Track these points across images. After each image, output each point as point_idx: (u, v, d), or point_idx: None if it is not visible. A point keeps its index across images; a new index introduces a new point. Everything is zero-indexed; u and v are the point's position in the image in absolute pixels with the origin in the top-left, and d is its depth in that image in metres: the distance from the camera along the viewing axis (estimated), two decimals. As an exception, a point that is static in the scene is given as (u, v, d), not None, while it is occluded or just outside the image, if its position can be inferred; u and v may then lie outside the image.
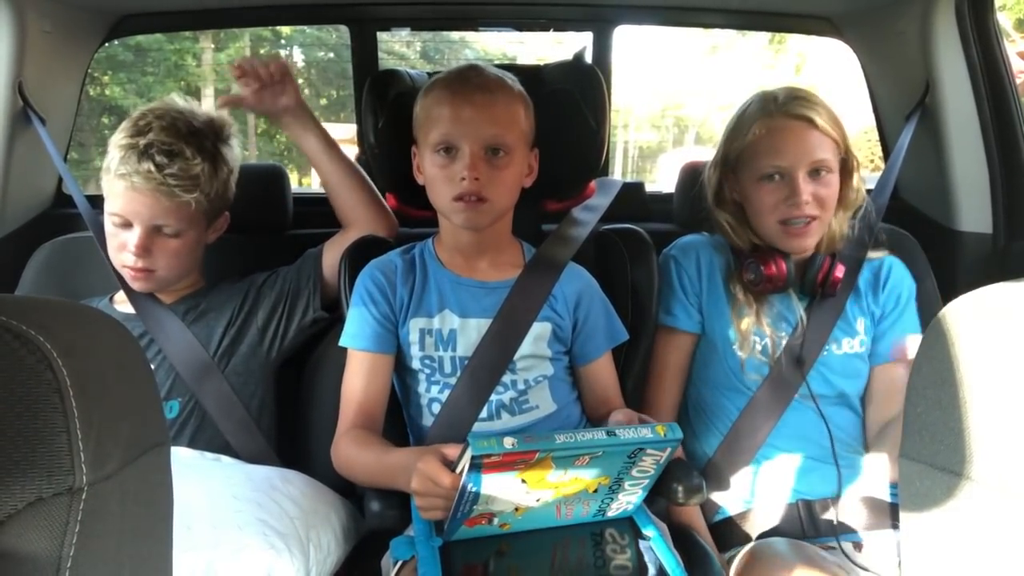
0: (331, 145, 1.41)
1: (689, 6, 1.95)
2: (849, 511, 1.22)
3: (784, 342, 1.27)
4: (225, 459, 1.20)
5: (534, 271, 1.21)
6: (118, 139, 1.26)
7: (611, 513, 0.98)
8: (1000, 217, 1.66)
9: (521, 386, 1.17)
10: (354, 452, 1.11)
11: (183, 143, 1.27)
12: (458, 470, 0.86)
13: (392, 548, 0.99)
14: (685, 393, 1.37)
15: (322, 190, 1.46)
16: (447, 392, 1.16)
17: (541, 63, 1.42)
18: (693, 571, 1.04)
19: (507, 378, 1.16)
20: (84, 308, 0.56)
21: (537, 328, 1.17)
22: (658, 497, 1.07)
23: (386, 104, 1.28)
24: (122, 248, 1.28)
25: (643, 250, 1.34)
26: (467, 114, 1.10)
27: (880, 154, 1.93)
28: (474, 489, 0.84)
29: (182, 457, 1.16)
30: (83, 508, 0.46)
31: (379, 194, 1.43)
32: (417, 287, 1.19)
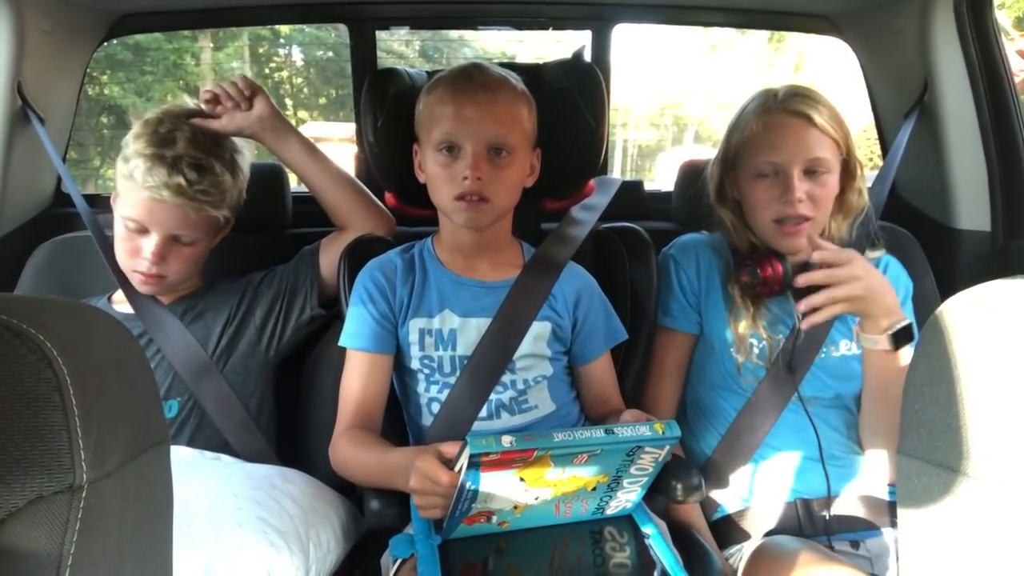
0: (313, 150, 1.41)
1: (688, 4, 1.95)
2: (847, 510, 1.22)
3: (781, 344, 1.27)
4: (225, 458, 1.20)
5: (534, 271, 1.21)
6: (140, 147, 1.25)
7: (610, 511, 0.99)
8: (998, 215, 1.67)
9: (520, 386, 1.17)
10: (352, 452, 1.11)
11: (212, 157, 1.28)
12: (456, 468, 0.86)
13: (391, 546, 0.99)
14: (683, 392, 1.37)
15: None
16: (446, 392, 1.16)
17: (540, 62, 1.42)
18: (693, 569, 1.04)
19: (506, 378, 1.16)
20: (84, 307, 0.57)
21: (537, 328, 1.18)
22: (657, 495, 1.08)
23: (385, 103, 1.27)
24: (135, 253, 1.28)
25: (642, 249, 1.34)
26: (470, 113, 1.10)
27: (879, 152, 1.93)
28: (472, 487, 0.84)
29: (182, 456, 1.16)
30: (83, 506, 0.46)
31: (371, 194, 1.43)
32: (417, 287, 1.19)
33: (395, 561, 1.00)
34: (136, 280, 1.30)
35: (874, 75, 1.89)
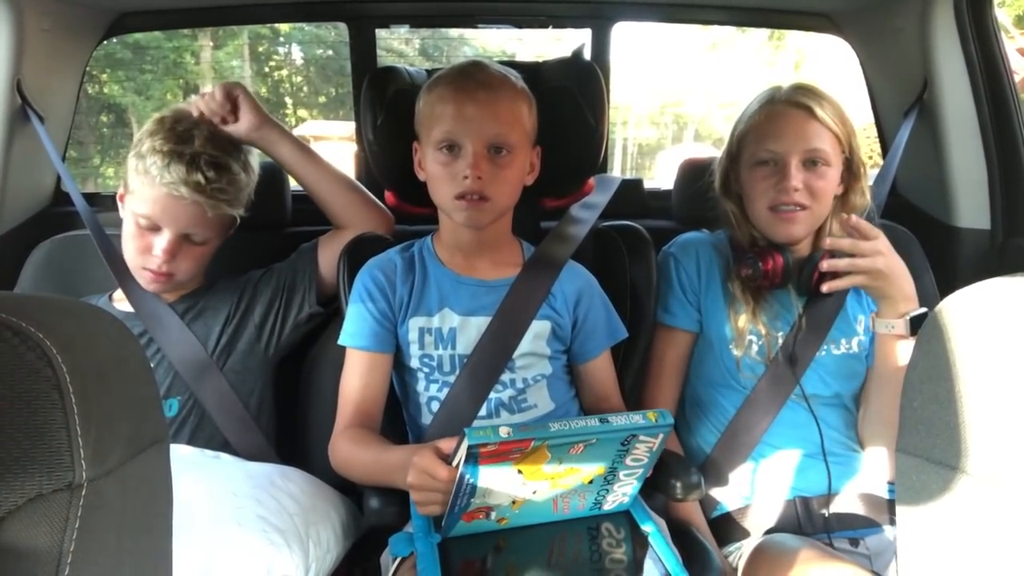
0: (307, 151, 1.40)
1: (688, 2, 1.95)
2: (847, 508, 1.23)
3: (781, 340, 1.27)
4: (224, 456, 1.20)
5: (533, 269, 1.21)
6: (157, 144, 1.24)
7: (607, 507, 0.99)
8: (998, 213, 1.67)
9: (520, 384, 1.17)
10: (352, 451, 1.11)
11: (229, 156, 1.29)
12: (454, 463, 0.86)
13: (391, 545, 1.00)
14: (683, 390, 1.37)
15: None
16: (446, 391, 1.16)
17: (540, 60, 1.42)
18: (692, 567, 1.04)
19: (506, 376, 1.16)
20: (83, 305, 0.57)
21: (536, 326, 1.18)
22: (657, 493, 1.08)
23: (385, 101, 1.27)
24: (146, 250, 1.28)
25: (642, 247, 1.34)
26: (470, 112, 1.10)
27: (878, 151, 1.93)
28: (471, 481, 0.84)
29: (182, 454, 1.16)
30: (83, 504, 0.46)
31: (369, 193, 1.42)
32: (417, 286, 1.19)
33: (395, 559, 1.01)
34: (145, 278, 1.30)
35: (874, 73, 1.89)
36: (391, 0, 1.91)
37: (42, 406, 0.45)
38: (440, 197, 1.15)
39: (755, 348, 1.27)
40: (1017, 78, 1.67)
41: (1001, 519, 0.54)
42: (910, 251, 1.53)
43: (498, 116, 1.11)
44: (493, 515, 0.92)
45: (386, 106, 1.27)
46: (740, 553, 1.19)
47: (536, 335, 1.18)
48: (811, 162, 1.22)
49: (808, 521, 1.22)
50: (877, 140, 1.94)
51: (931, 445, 0.58)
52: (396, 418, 1.25)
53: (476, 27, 2.06)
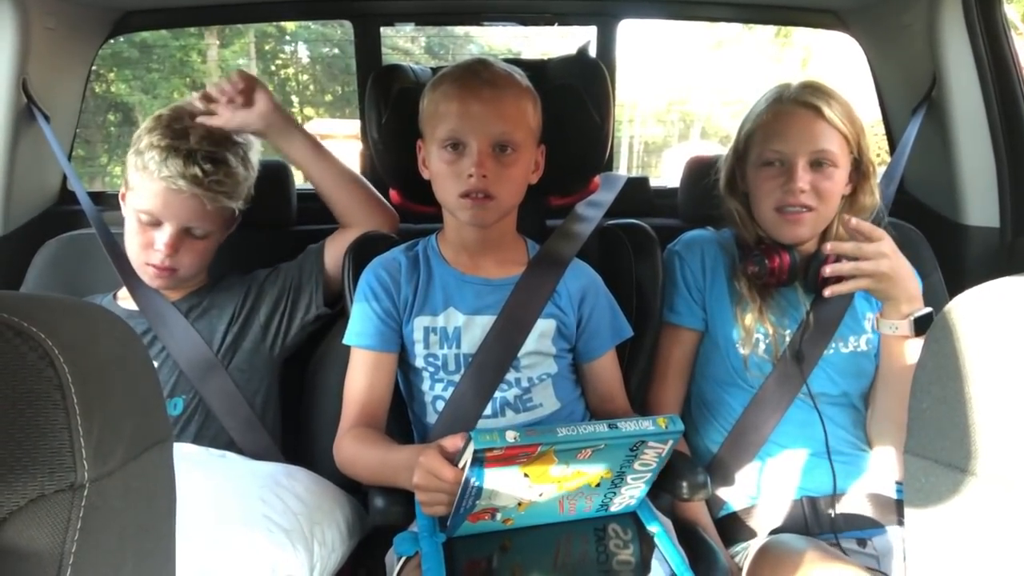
0: (318, 147, 1.40)
1: (694, 0, 1.95)
2: (854, 508, 1.22)
3: (788, 338, 1.26)
4: (230, 455, 1.20)
5: (538, 268, 1.20)
6: (155, 139, 1.26)
7: (614, 508, 0.98)
8: (1007, 211, 1.65)
9: (525, 383, 1.17)
10: (356, 450, 1.11)
11: (226, 151, 1.30)
12: (460, 464, 0.86)
13: (396, 544, 1.00)
14: (688, 389, 1.36)
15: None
16: (451, 390, 1.16)
17: (545, 58, 1.42)
18: (698, 567, 1.04)
19: (511, 375, 1.16)
20: (86, 305, 0.57)
21: (542, 325, 1.17)
22: (663, 493, 1.08)
23: (390, 99, 1.27)
24: (148, 245, 1.28)
25: (648, 245, 1.34)
26: (475, 110, 1.09)
27: (886, 148, 1.92)
28: (477, 483, 0.84)
29: (186, 453, 1.16)
30: (85, 504, 0.46)
31: (375, 191, 1.42)
32: (422, 285, 1.19)
33: (399, 559, 1.00)
34: (148, 274, 1.31)
35: (882, 70, 1.88)
36: (396, -2, 1.91)
37: (44, 406, 0.45)
38: (444, 195, 1.14)
39: (762, 346, 1.27)
40: (1027, 74, 1.65)
41: (1011, 521, 0.53)
42: (918, 250, 1.52)
43: (503, 114, 1.10)
44: (499, 516, 0.92)
45: (391, 104, 1.27)
46: (746, 553, 1.18)
47: (541, 333, 1.17)
48: (818, 163, 1.21)
49: (815, 521, 1.21)
50: (884, 137, 1.93)
51: (940, 447, 0.58)
52: (401, 417, 1.25)
53: (481, 25, 2.06)
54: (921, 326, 1.13)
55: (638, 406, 1.29)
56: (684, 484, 1.06)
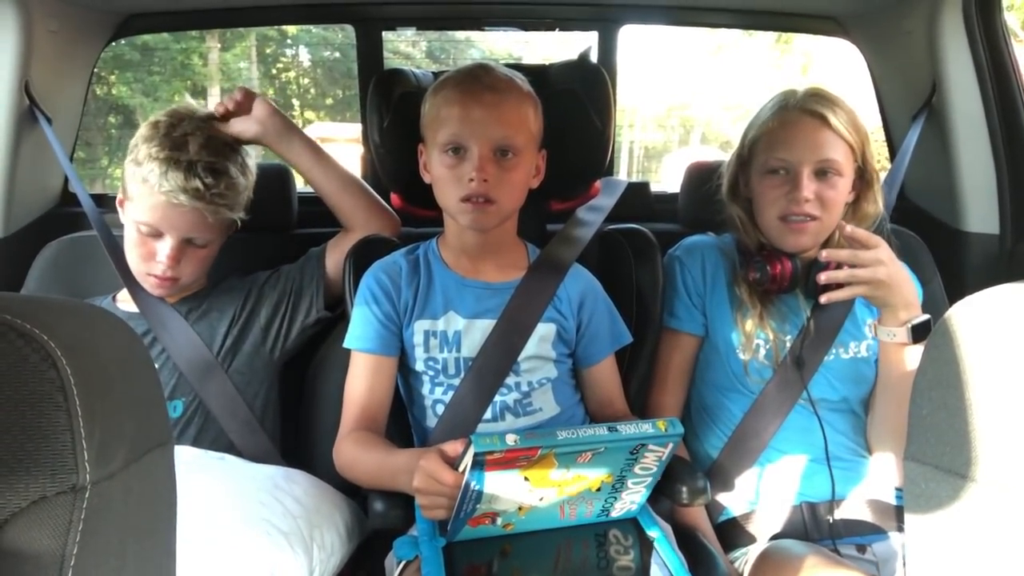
0: (318, 151, 1.40)
1: (694, 6, 1.95)
2: (854, 514, 1.22)
3: (789, 344, 1.26)
4: (229, 458, 1.20)
5: (539, 272, 1.21)
6: (153, 151, 1.24)
7: (615, 513, 0.98)
8: (1007, 218, 1.66)
9: (525, 388, 1.17)
10: (356, 454, 1.11)
11: (226, 160, 1.29)
12: (460, 468, 0.86)
13: (396, 548, 0.99)
14: (688, 395, 1.36)
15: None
16: (451, 394, 1.16)
17: (547, 63, 1.42)
18: (698, 572, 1.04)
19: (511, 380, 1.16)
20: (88, 307, 0.57)
21: (542, 329, 1.17)
22: (663, 498, 1.08)
23: (391, 103, 1.28)
24: (149, 256, 1.28)
25: (648, 250, 1.34)
26: (477, 115, 1.10)
27: (886, 155, 1.92)
28: (477, 487, 0.84)
29: (186, 456, 1.15)
30: (86, 506, 0.46)
31: (376, 195, 1.42)
32: (422, 289, 1.19)
33: (399, 563, 1.00)
34: (150, 284, 1.30)
35: (882, 77, 1.88)
36: (398, 2, 1.91)
37: (46, 408, 0.45)
38: (445, 199, 1.15)
39: (762, 352, 1.27)
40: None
41: (1012, 528, 0.53)
42: (918, 256, 1.52)
43: (504, 119, 1.11)
44: (499, 521, 0.92)
45: (392, 108, 1.27)
46: (746, 559, 1.18)
47: (541, 338, 1.17)
48: (823, 172, 1.21)
49: (814, 527, 1.21)
50: (885, 144, 1.93)
51: (940, 453, 0.58)
52: (401, 421, 1.24)
53: (483, 30, 2.06)
54: (919, 333, 1.13)
55: (638, 411, 1.29)
56: (684, 489, 1.06)
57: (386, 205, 1.42)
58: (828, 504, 1.22)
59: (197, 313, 1.35)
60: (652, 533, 0.98)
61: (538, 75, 1.29)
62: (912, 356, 1.15)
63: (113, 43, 1.82)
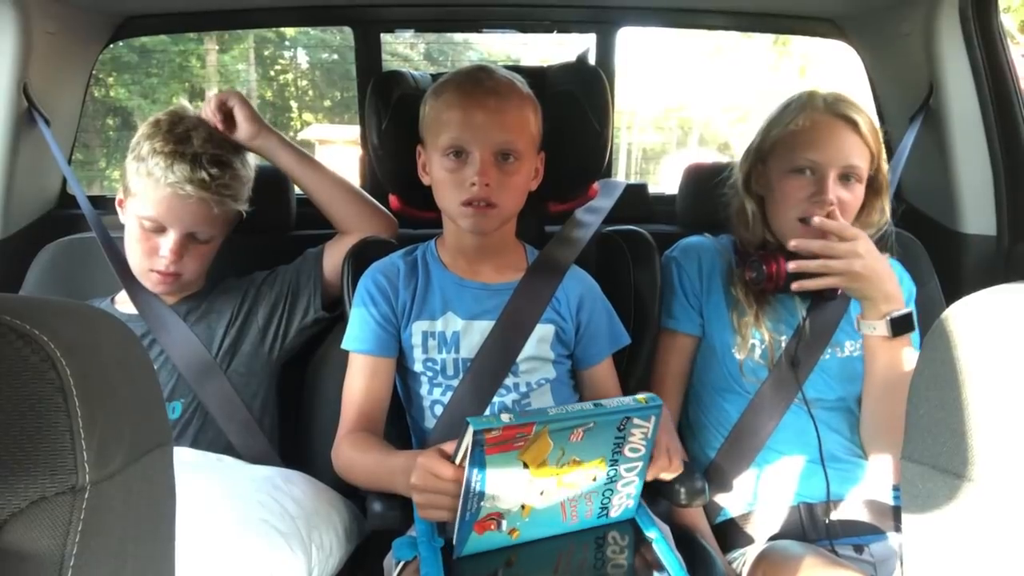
0: (306, 158, 1.41)
1: (692, 8, 1.95)
2: (851, 514, 1.22)
3: (784, 344, 1.27)
4: (227, 459, 1.20)
5: (537, 273, 1.21)
6: (157, 146, 1.25)
7: (614, 512, 0.99)
8: (1004, 219, 1.66)
9: (523, 388, 1.17)
10: (354, 455, 1.11)
11: (229, 153, 1.30)
12: (458, 461, 0.86)
13: (394, 548, 0.99)
14: (686, 396, 1.36)
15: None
16: (449, 394, 1.16)
17: (545, 65, 1.42)
18: (696, 573, 1.04)
19: (509, 381, 1.16)
20: (87, 308, 0.57)
21: (540, 330, 1.17)
22: (661, 499, 1.08)
23: (390, 105, 1.28)
24: (152, 252, 1.28)
25: (646, 252, 1.34)
26: (479, 119, 1.10)
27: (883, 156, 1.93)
28: (479, 476, 0.84)
29: (184, 457, 1.15)
30: (86, 507, 0.46)
31: (370, 198, 1.43)
32: (420, 290, 1.19)
33: (398, 563, 1.00)
34: (152, 280, 1.30)
35: (879, 79, 1.89)
36: (396, 5, 1.91)
37: (45, 409, 0.45)
38: (446, 203, 1.15)
39: (758, 352, 1.27)
40: (1023, 84, 1.66)
41: (1009, 528, 0.54)
42: (916, 257, 1.52)
43: (506, 123, 1.11)
44: (504, 525, 0.92)
45: (391, 110, 1.27)
46: (744, 559, 1.18)
47: (540, 339, 1.18)
48: (846, 177, 1.21)
49: (812, 527, 1.21)
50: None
51: (937, 453, 0.58)
52: (400, 422, 1.25)
53: (481, 32, 2.06)
54: (899, 327, 1.13)
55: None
56: (682, 490, 1.07)
57: (381, 207, 1.42)
58: (825, 505, 1.22)
59: (196, 314, 1.35)
60: (650, 534, 0.99)
61: (536, 77, 1.29)
62: (894, 350, 1.15)
63: (111, 45, 1.82)
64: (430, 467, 0.89)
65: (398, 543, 0.99)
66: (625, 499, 0.98)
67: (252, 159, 1.40)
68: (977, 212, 1.68)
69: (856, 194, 1.23)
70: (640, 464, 0.95)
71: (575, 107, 1.30)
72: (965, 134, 1.64)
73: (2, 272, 1.55)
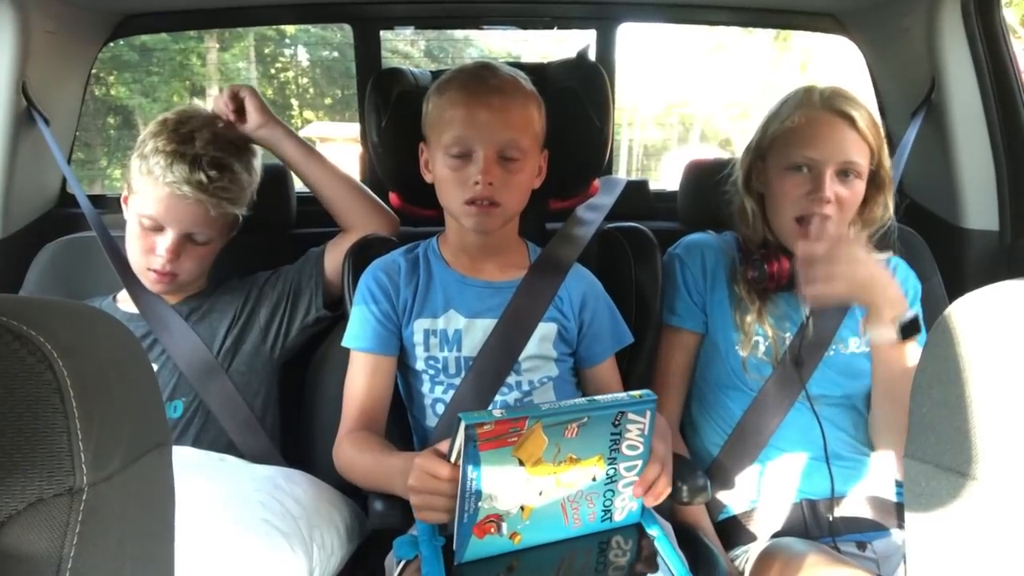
0: (311, 151, 1.41)
1: (693, 3, 1.95)
2: (854, 511, 1.22)
3: (788, 342, 1.26)
4: (229, 458, 1.20)
5: (540, 271, 1.20)
6: (160, 144, 1.25)
7: (618, 516, 0.98)
8: (1007, 214, 1.65)
9: (526, 387, 1.16)
10: (354, 455, 1.11)
11: (231, 156, 1.29)
12: (453, 458, 0.86)
13: (395, 547, 0.99)
14: (689, 393, 1.36)
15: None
16: (451, 393, 1.16)
17: (545, 61, 1.42)
18: (699, 570, 1.04)
19: (512, 379, 1.16)
20: (85, 308, 0.56)
21: (543, 328, 1.17)
22: (663, 497, 1.08)
23: (390, 103, 1.27)
24: (150, 250, 1.28)
25: (647, 249, 1.33)
26: (483, 118, 1.09)
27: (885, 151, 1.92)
28: (474, 474, 0.84)
29: (186, 457, 1.15)
30: (84, 508, 0.46)
31: (373, 195, 1.43)
32: (421, 288, 1.19)
33: (399, 562, 1.00)
34: (149, 279, 1.30)
35: (881, 74, 1.88)
36: (396, 2, 1.91)
37: (43, 410, 0.44)
38: (449, 201, 1.14)
39: (761, 349, 1.27)
40: (1025, 78, 1.66)
41: (1013, 526, 0.53)
42: (918, 253, 1.52)
43: (510, 122, 1.10)
44: (504, 528, 0.91)
45: (391, 108, 1.27)
46: (747, 557, 1.18)
47: (542, 337, 1.17)
48: (844, 173, 1.20)
49: (815, 525, 1.21)
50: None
51: (940, 451, 0.58)
52: (402, 420, 1.25)
53: (481, 28, 2.06)
54: (907, 331, 1.12)
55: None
56: (684, 487, 1.06)
57: (383, 205, 1.42)
58: (828, 502, 1.22)
59: (198, 314, 1.35)
60: (652, 531, 0.98)
61: (537, 74, 1.28)
62: (902, 354, 1.14)
63: (111, 43, 1.81)
64: (426, 467, 0.88)
65: (399, 542, 0.99)
66: (628, 501, 0.98)
67: (259, 165, 1.39)
68: (980, 207, 1.67)
69: (855, 191, 1.22)
70: (640, 463, 0.94)
71: (576, 104, 1.29)
72: (967, 129, 1.64)
73: (2, 272, 1.55)
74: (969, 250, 1.68)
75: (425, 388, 1.19)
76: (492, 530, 0.91)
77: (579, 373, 1.24)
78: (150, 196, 1.26)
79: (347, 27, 1.93)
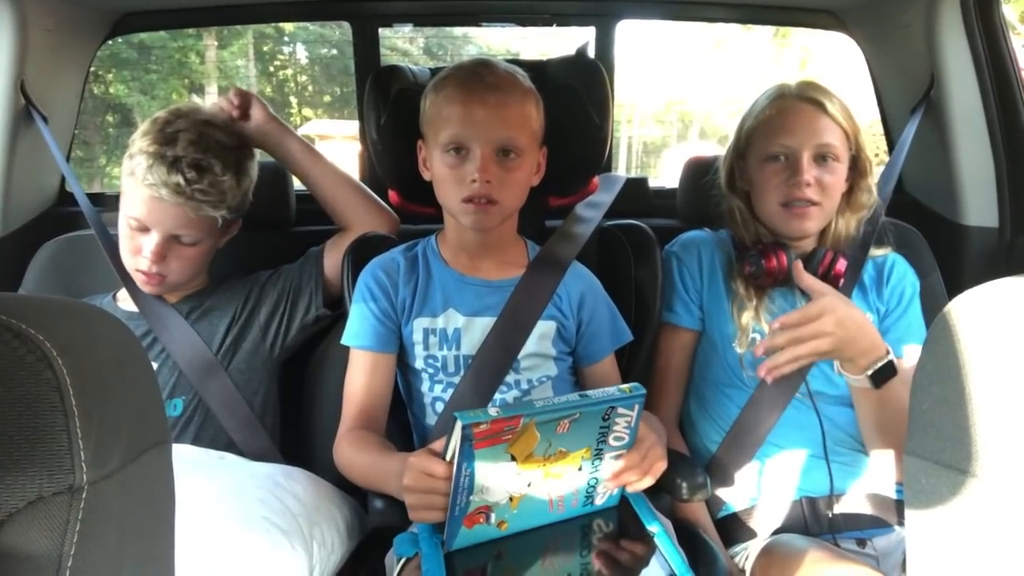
0: (310, 150, 1.42)
1: (692, 0, 1.95)
2: (854, 508, 1.22)
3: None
4: (229, 456, 1.20)
5: (539, 269, 1.20)
6: (144, 145, 1.25)
7: (599, 500, 1.00)
8: (1006, 211, 1.65)
9: (525, 385, 1.16)
10: (351, 454, 1.11)
11: (213, 157, 1.27)
12: (448, 457, 0.86)
13: (396, 545, 0.99)
14: (687, 391, 1.36)
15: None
16: (450, 391, 1.16)
17: (544, 58, 1.42)
18: (698, 567, 1.04)
19: (511, 377, 1.16)
20: (84, 307, 0.56)
21: (542, 327, 1.17)
22: (663, 493, 1.08)
23: (388, 100, 1.27)
24: (137, 251, 1.28)
25: (647, 246, 1.33)
26: (480, 115, 1.08)
27: (885, 148, 1.92)
28: (468, 470, 0.84)
29: (186, 455, 1.16)
30: (83, 507, 0.46)
31: (372, 193, 1.42)
32: (420, 286, 1.19)
33: (399, 560, 1.00)
34: (138, 280, 1.30)
35: (880, 70, 1.88)
36: (394, -1, 1.91)
37: (42, 408, 0.44)
38: (447, 199, 1.14)
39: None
40: (1025, 75, 1.66)
41: (1012, 523, 0.53)
42: (918, 250, 1.52)
43: (507, 119, 1.10)
44: (493, 517, 0.92)
45: (390, 105, 1.27)
46: (747, 554, 1.18)
47: (541, 335, 1.17)
48: (822, 157, 1.22)
49: (814, 522, 1.21)
50: (883, 137, 1.93)
51: (940, 448, 0.58)
52: (401, 419, 1.25)
53: (480, 25, 2.06)
54: (880, 377, 1.10)
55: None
56: (684, 484, 1.06)
57: (383, 203, 1.42)
58: (827, 499, 1.22)
59: (198, 312, 1.34)
60: (652, 528, 0.99)
61: (536, 71, 1.28)
62: (878, 395, 1.12)
63: (109, 41, 1.81)
64: (422, 466, 0.88)
65: (399, 540, 0.99)
66: (610, 489, 0.99)
67: (253, 168, 1.38)
68: (979, 204, 1.67)
69: (837, 175, 1.24)
70: (623, 452, 0.96)
71: (575, 101, 1.29)
72: (967, 126, 1.64)
73: (1, 270, 1.55)
74: (968, 247, 1.68)
75: (424, 387, 1.19)
76: (481, 520, 0.92)
77: (578, 371, 1.24)
78: (135, 197, 1.26)
79: (346, 24, 1.93)
